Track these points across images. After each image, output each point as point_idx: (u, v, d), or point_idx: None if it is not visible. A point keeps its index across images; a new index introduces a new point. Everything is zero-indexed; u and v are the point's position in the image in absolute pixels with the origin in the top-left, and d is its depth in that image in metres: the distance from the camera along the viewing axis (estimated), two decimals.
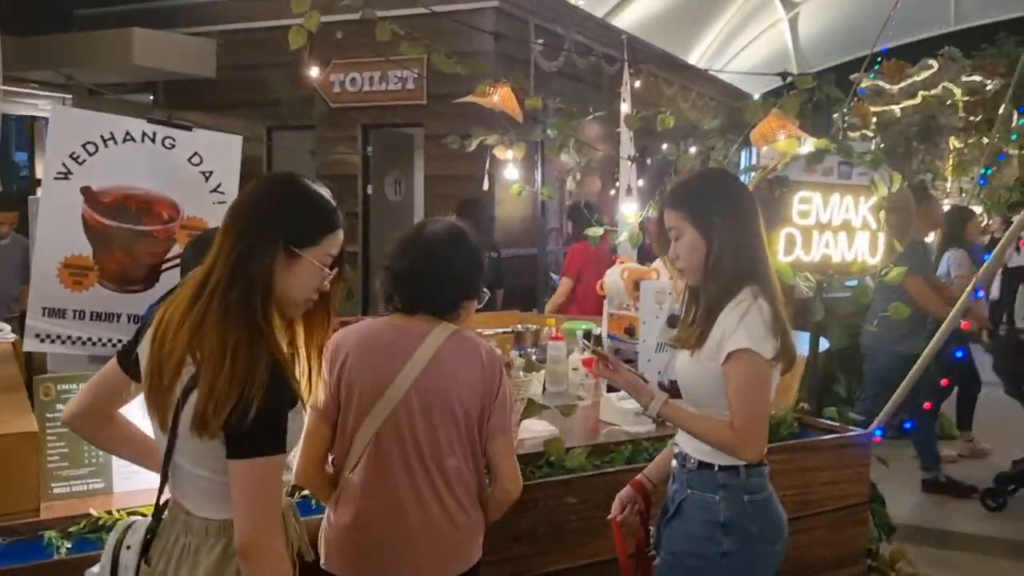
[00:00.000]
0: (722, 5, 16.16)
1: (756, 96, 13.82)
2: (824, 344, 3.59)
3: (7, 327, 3.77)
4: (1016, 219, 3.40)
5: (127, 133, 3.15)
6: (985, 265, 3.39)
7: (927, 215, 5.44)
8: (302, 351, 1.77)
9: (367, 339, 2.06)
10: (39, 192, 3.49)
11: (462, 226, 2.16)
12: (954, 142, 13.76)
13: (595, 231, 3.92)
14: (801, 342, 3.72)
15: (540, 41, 7.15)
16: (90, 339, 3.07)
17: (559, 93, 7.78)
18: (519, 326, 4.35)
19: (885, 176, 3.32)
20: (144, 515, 1.82)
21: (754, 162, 4.20)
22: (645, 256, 5.29)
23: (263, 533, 1.59)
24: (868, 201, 3.40)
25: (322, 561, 2.04)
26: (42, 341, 3.03)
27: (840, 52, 16.95)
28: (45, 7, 10.11)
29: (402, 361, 2.01)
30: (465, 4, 8.53)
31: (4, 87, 10.44)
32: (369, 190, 9.74)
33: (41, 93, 11.01)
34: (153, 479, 1.76)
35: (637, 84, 7.32)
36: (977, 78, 13.70)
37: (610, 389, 3.57)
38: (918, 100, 14.00)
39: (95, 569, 1.75)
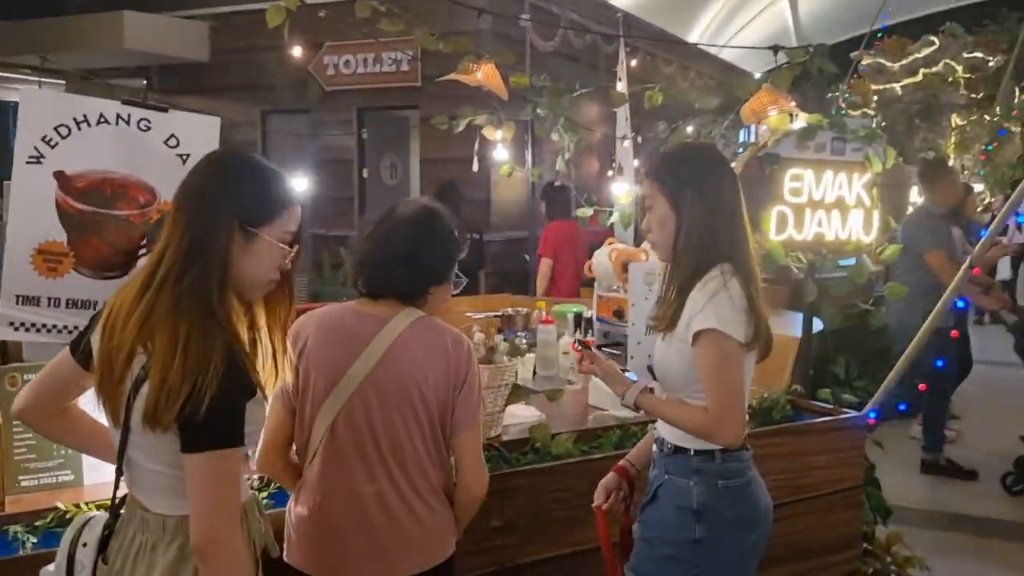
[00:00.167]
0: None
1: (757, 75, 13.67)
2: (818, 325, 3.51)
3: None
4: (1013, 195, 3.31)
5: (101, 115, 3.06)
6: (980, 242, 3.30)
7: (947, 188, 5.35)
8: (263, 333, 1.70)
9: (327, 324, 1.98)
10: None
11: (435, 207, 2.06)
12: (956, 119, 13.61)
13: (584, 211, 3.84)
14: (796, 323, 3.67)
15: (526, 16, 7.02)
16: (65, 327, 3.00)
17: (555, 73, 7.69)
18: (509, 309, 4.28)
19: (880, 152, 3.23)
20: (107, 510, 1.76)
21: (753, 140, 4.12)
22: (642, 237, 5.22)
23: (220, 530, 1.53)
24: (862, 178, 3.31)
25: (284, 553, 1.97)
26: (16, 329, 2.96)
27: (841, 30, 16.74)
28: None
29: (360, 348, 1.92)
30: None
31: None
32: (365, 173, 9.66)
33: (34, 79, 10.91)
34: None
35: (633, 63, 7.21)
36: (979, 55, 13.53)
37: None
38: (919, 78, 13.84)
39: (51, 568, 1.69)
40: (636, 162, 6.06)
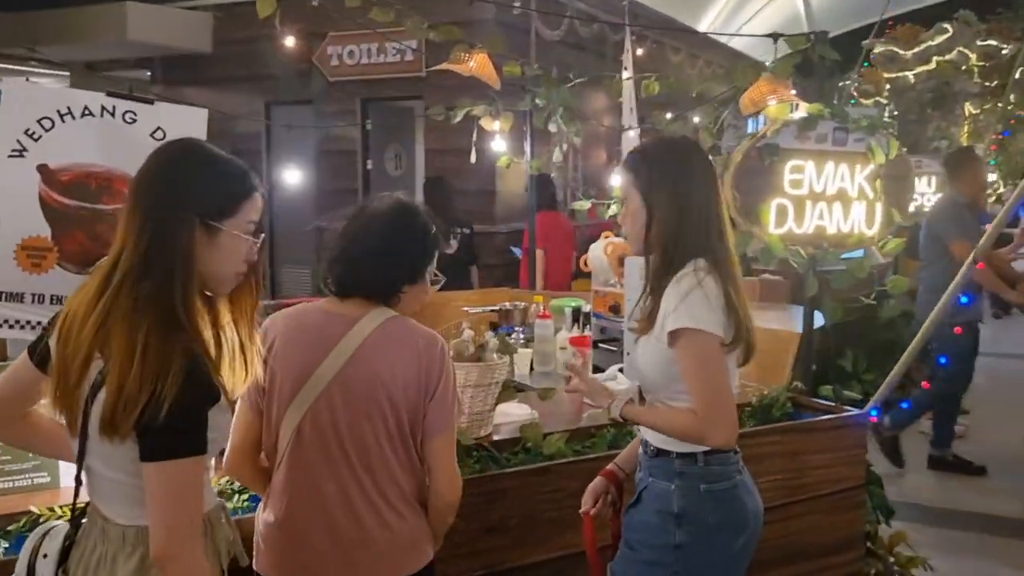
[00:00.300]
0: None
1: (768, 63, 13.47)
2: (821, 320, 3.42)
3: None
4: (1020, 184, 3.21)
5: (85, 108, 3.01)
6: (986, 234, 3.21)
7: (973, 177, 5.24)
8: (228, 329, 1.63)
9: (295, 324, 1.91)
10: None
11: (410, 202, 1.98)
12: (969, 108, 13.42)
13: (581, 204, 3.76)
14: (798, 317, 3.58)
15: (521, 6, 6.92)
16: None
17: (561, 62, 7.59)
18: (507, 304, 4.22)
19: (883, 142, 3.14)
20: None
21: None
22: None
23: (179, 541, 1.47)
24: (865, 169, 3.22)
25: (253, 561, 1.90)
26: None
27: (853, 17, 16.56)
28: None
29: (327, 349, 1.84)
30: None
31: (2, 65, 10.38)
32: (369, 165, 9.59)
33: (40, 71, 10.90)
34: None
35: (639, 52, 7.10)
36: (993, 42, 13.32)
37: (596, 370, 3.44)
38: (932, 66, 13.65)
39: None
40: None
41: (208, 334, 1.55)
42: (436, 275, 2.01)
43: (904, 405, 5.23)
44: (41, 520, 2.06)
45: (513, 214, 8.97)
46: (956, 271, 4.77)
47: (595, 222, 4.71)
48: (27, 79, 9.44)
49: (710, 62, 13.46)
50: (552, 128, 4.23)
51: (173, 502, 1.47)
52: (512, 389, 2.90)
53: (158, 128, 3.07)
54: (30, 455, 2.27)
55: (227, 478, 2.19)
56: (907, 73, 13.77)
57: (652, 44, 10.32)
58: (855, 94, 12.75)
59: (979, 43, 13.43)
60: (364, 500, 1.85)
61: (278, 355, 1.88)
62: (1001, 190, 11.36)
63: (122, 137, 3.01)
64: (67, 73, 10.52)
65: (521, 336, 3.98)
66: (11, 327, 2.93)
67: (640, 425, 2.10)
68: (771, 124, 3.12)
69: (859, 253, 3.83)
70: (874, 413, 3.15)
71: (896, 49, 13.75)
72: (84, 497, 1.65)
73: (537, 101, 4.25)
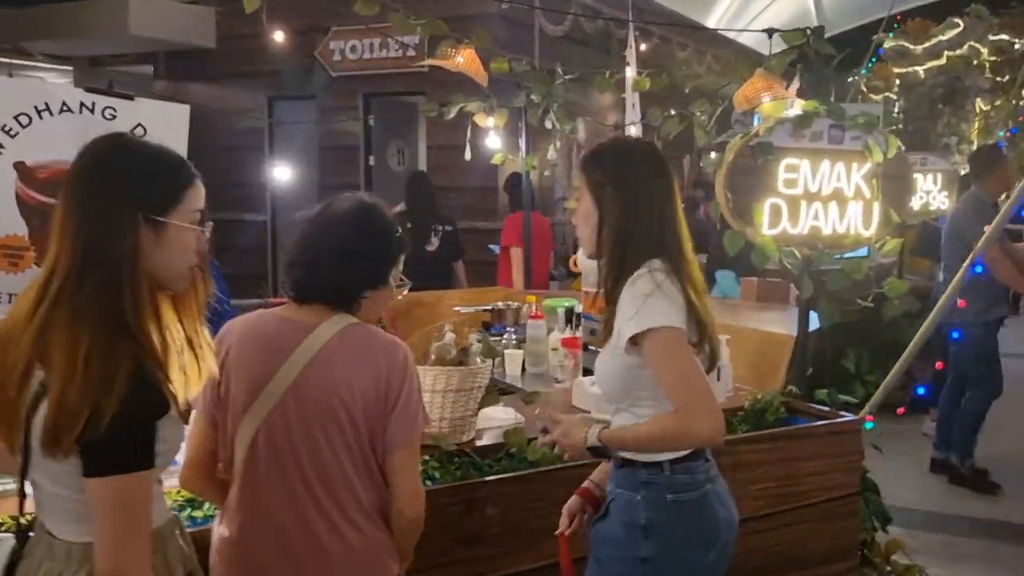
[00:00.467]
0: None
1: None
2: (815, 324, 3.34)
3: None
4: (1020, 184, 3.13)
5: (64, 104, 2.96)
6: (985, 235, 3.12)
7: (1001, 176, 5.12)
8: (175, 327, 1.55)
9: (250, 332, 1.83)
10: None
11: (373, 204, 1.90)
12: (980, 104, 13.26)
13: (572, 204, 3.68)
14: (796, 319, 3.50)
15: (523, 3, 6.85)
16: None
17: (566, 59, 7.52)
18: (500, 304, 4.15)
19: (880, 140, 3.05)
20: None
21: None
22: None
23: (125, 561, 1.41)
24: (862, 168, 3.13)
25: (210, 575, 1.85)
26: None
27: (863, 12, 16.40)
28: None
29: (282, 358, 1.77)
30: None
31: (5, 60, 10.36)
32: (371, 160, 9.54)
33: (44, 66, 10.88)
34: None
35: (644, 47, 7.01)
36: (1005, 37, 13.16)
37: (586, 372, 3.37)
38: (943, 61, 13.51)
39: None
40: None
41: (156, 338, 1.49)
42: (402, 279, 1.94)
43: (920, 391, 5.11)
44: (3, 528, 2.00)
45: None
46: (984, 272, 4.72)
47: None
48: (10, 74, 9.40)
49: (718, 58, 13.33)
50: (547, 125, 4.15)
51: (118, 520, 1.40)
52: (496, 393, 2.82)
53: (138, 125, 3.02)
54: None
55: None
56: (917, 68, 13.63)
57: (658, 40, 10.21)
58: (864, 89, 12.63)
59: (991, 37, 13.28)
60: (321, 516, 1.78)
61: (232, 365, 1.81)
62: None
63: (101, 134, 2.96)
64: (70, 68, 10.49)
65: (513, 336, 3.91)
66: None
67: (622, 448, 1.96)
68: (765, 122, 3.04)
69: (863, 252, 3.75)
70: (870, 427, 3.06)
71: (906, 44, 13.61)
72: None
73: (532, 97, 4.18)
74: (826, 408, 3.14)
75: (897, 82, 13.65)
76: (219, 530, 1.84)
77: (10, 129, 2.87)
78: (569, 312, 3.82)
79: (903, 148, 3.16)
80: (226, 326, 1.86)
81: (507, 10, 8.53)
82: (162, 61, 10.49)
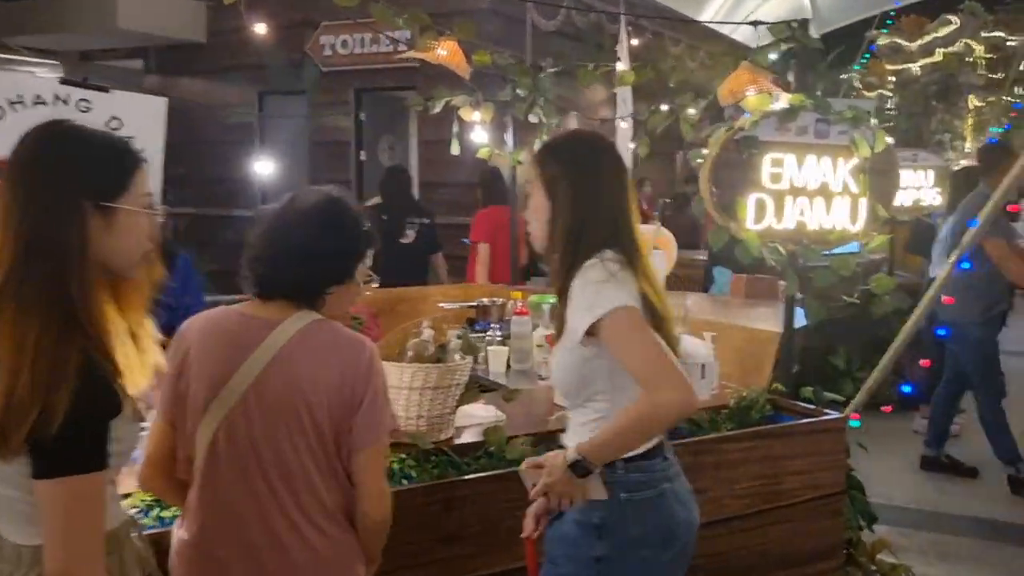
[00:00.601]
0: None
1: (772, 55, 13.29)
2: (802, 321, 3.30)
3: None
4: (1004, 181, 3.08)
5: (37, 96, 2.93)
6: (972, 232, 3.08)
7: (1008, 173, 5.06)
8: (117, 320, 1.50)
9: (210, 330, 1.78)
10: None
11: (339, 197, 1.85)
12: (973, 101, 13.25)
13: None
14: (781, 316, 3.46)
15: None
16: None
17: (558, 54, 7.48)
18: (484, 300, 4.11)
19: (867, 135, 3.01)
20: None
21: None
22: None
23: (77, 565, 1.36)
24: (848, 163, 3.09)
25: None
26: None
27: (859, 8, 16.37)
28: None
29: (243, 356, 1.72)
30: None
31: None
32: (363, 156, 9.48)
33: (33, 60, 10.79)
34: None
35: (636, 42, 6.95)
36: (999, 34, 13.15)
37: None
38: (938, 57, 13.49)
39: None
40: (632, 145, 5.84)
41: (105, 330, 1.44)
42: (370, 275, 1.89)
43: (905, 389, 5.09)
44: None
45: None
46: (990, 271, 4.69)
47: None
48: None
49: (712, 53, 13.28)
50: (533, 119, 4.11)
51: (69, 523, 1.36)
52: (476, 390, 2.78)
53: (114, 117, 2.98)
54: None
55: None
56: (911, 65, 13.61)
57: (650, 36, 10.15)
58: (859, 86, 12.61)
59: (985, 34, 13.26)
60: (283, 518, 1.73)
61: (192, 362, 1.76)
62: None
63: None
64: (58, 63, 10.40)
65: (498, 333, 3.87)
66: None
67: (601, 454, 1.87)
68: (751, 115, 3.00)
69: (854, 248, 3.71)
70: (855, 425, 3.02)
71: (900, 41, 13.59)
72: None
73: (519, 92, 4.13)
74: (812, 406, 3.11)
75: (892, 79, 13.64)
76: (179, 532, 1.79)
77: None
78: (554, 308, 3.78)
79: (892, 143, 3.12)
80: (186, 323, 1.81)
81: (499, 5, 8.49)
82: (152, 56, 10.41)
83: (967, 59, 13.20)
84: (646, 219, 6.76)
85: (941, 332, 4.92)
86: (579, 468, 1.86)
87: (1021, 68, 11.67)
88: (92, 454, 1.38)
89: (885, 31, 12.75)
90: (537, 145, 2.09)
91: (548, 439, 2.69)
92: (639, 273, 1.88)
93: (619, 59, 6.42)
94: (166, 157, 3.08)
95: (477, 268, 5.55)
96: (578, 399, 1.96)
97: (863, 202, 3.10)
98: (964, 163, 9.96)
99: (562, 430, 2.73)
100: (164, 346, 1.67)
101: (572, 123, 4.57)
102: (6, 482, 1.42)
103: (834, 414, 3.01)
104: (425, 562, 2.34)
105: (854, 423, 3.03)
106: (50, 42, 9.95)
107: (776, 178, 3.06)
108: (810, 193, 3.09)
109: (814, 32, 5.33)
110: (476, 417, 2.80)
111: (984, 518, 4.57)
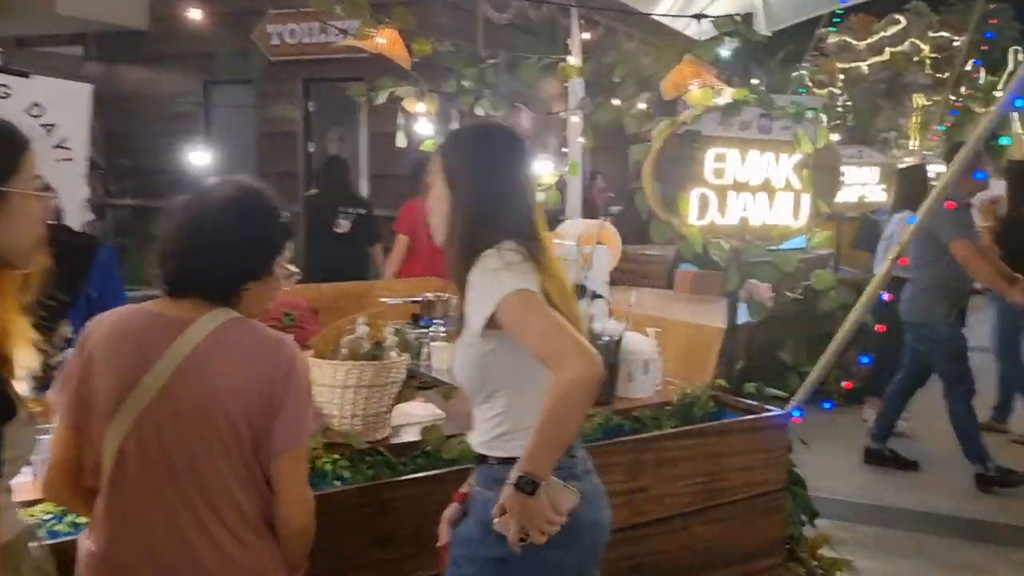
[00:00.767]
0: None
1: (725, 52, 13.38)
2: (745, 317, 3.29)
3: None
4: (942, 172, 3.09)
5: None
6: (913, 227, 3.09)
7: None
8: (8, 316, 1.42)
9: (116, 330, 1.67)
10: None
11: (254, 187, 1.75)
12: (919, 99, 13.49)
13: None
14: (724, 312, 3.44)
15: None
16: None
17: (511, 48, 7.41)
18: (428, 295, 4.03)
19: (810, 131, 3.00)
20: None
21: None
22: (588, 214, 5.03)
23: None
24: (791, 158, 3.08)
25: None
26: None
27: (810, 6, 16.53)
28: None
29: (153, 357, 1.62)
30: None
31: None
32: (311, 147, 9.35)
33: None
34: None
35: (587, 36, 6.92)
36: (945, 34, 13.41)
37: None
38: (886, 56, 13.72)
39: None
40: (581, 139, 5.80)
41: None
42: (288, 269, 1.80)
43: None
44: None
45: None
46: (955, 270, 4.72)
47: None
48: None
49: (656, 46, 13.32)
50: (480, 111, 4.03)
51: None
52: (413, 388, 2.71)
53: (35, 104, 2.86)
54: None
55: None
56: (860, 64, 13.82)
57: (603, 30, 10.15)
58: (808, 84, 12.75)
59: (931, 34, 13.51)
60: (197, 527, 1.64)
61: (97, 365, 1.65)
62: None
63: None
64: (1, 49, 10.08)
65: (442, 329, 3.80)
66: None
67: (543, 460, 1.74)
68: (694, 109, 2.97)
69: (800, 243, 3.70)
70: (797, 414, 3.01)
71: (849, 39, 13.79)
72: None
73: (464, 83, 4.05)
74: (755, 402, 3.10)
75: (841, 77, 13.84)
76: (86, 543, 1.68)
77: None
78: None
79: (837, 139, 3.11)
80: (92, 322, 1.70)
81: None
82: (93, 42, 10.15)
83: (914, 58, 13.44)
84: (595, 213, 6.74)
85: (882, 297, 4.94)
86: (525, 484, 1.72)
87: (966, 68, 11.89)
88: None
89: (833, 29, 12.91)
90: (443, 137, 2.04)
91: None
92: (541, 268, 1.82)
93: (571, 53, 6.39)
94: (106, 148, 2.97)
95: (392, 256, 5.48)
96: (480, 395, 1.89)
97: (805, 198, 3.10)
98: (909, 161, 10.11)
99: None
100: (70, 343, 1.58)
101: (520, 116, 4.51)
102: None
103: (775, 411, 3.00)
104: (358, 565, 2.28)
105: (796, 411, 3.01)
106: None
107: (719, 173, 3.03)
108: (753, 188, 3.07)
109: (765, 29, 5.34)
110: (414, 416, 2.73)
111: (925, 511, 4.62)
